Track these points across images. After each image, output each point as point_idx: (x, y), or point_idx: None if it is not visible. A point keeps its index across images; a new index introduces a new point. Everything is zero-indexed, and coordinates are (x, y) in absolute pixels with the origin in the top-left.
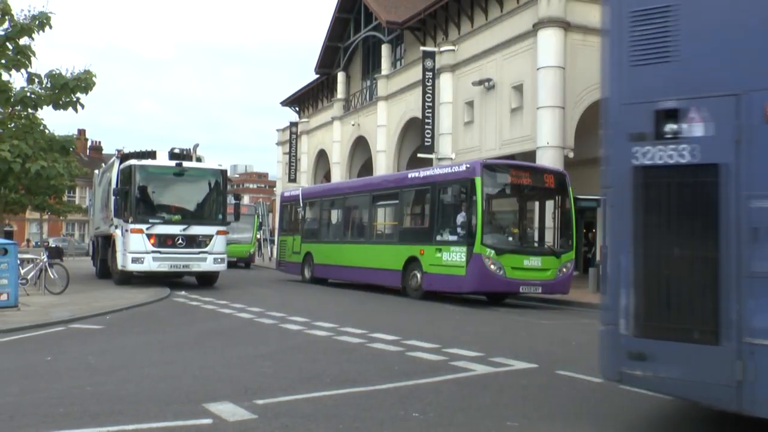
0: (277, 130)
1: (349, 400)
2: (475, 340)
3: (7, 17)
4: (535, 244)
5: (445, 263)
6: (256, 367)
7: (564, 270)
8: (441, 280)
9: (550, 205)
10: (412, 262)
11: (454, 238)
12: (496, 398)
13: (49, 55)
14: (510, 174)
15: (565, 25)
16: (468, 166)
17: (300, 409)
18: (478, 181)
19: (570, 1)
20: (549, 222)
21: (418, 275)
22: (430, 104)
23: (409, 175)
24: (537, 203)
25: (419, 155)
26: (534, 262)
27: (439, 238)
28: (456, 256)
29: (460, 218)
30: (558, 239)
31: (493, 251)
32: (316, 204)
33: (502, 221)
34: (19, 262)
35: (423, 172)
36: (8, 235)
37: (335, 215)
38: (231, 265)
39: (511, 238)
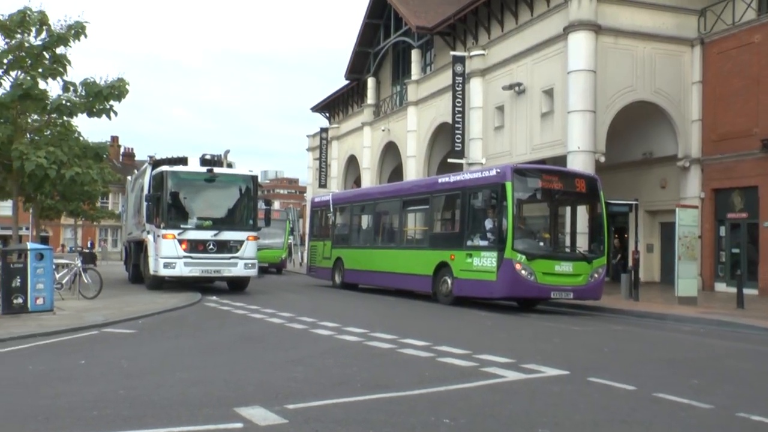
0: (308, 136)
1: (380, 406)
2: (506, 347)
3: (44, 27)
4: (567, 250)
5: (476, 268)
6: (286, 372)
7: (596, 275)
8: (472, 286)
9: (581, 209)
10: (442, 268)
11: (484, 243)
12: (527, 405)
13: (84, 63)
14: (541, 178)
15: (596, 28)
16: (498, 170)
17: (331, 414)
18: (508, 185)
19: (601, 4)
20: (580, 227)
21: (449, 281)
22: (460, 109)
23: (440, 180)
24: (568, 208)
25: (449, 160)
26: (565, 267)
27: (469, 243)
28: (487, 261)
29: (491, 223)
30: (589, 244)
31: (524, 256)
32: (347, 209)
33: (533, 226)
34: (54, 267)
35: (453, 177)
36: (44, 240)
37: (366, 220)
38: (262, 270)
39: (542, 243)
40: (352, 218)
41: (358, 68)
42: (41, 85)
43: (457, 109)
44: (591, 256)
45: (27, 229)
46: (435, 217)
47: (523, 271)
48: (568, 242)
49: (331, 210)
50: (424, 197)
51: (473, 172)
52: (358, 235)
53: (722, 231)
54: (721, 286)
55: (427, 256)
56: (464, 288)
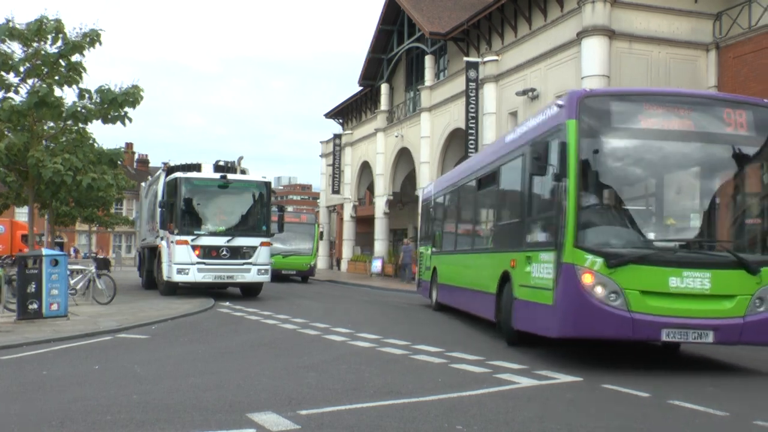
0: (321, 142)
1: (393, 412)
2: (520, 353)
3: (60, 35)
4: (698, 246)
5: (534, 283)
6: (299, 378)
7: (764, 298)
8: (529, 314)
9: (732, 170)
10: (506, 282)
11: (543, 237)
12: (540, 411)
13: (99, 70)
14: (642, 110)
15: (610, 33)
16: (560, 103)
17: (343, 420)
18: (571, 126)
19: (615, 9)
20: (732, 205)
21: (503, 303)
22: (474, 115)
23: (507, 139)
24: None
25: None
26: (693, 280)
27: (529, 238)
28: (544, 270)
29: (548, 203)
30: (751, 238)
31: (599, 259)
32: (445, 199)
33: (628, 202)
34: (68, 272)
35: (520, 128)
36: (60, 246)
37: (455, 214)
38: (284, 278)
39: (641, 234)
40: (445, 212)
41: (371, 74)
42: (57, 92)
43: (470, 114)
44: (756, 259)
45: (42, 235)
46: (499, 202)
47: (597, 289)
48: (701, 233)
49: (432, 203)
50: (493, 171)
51: (541, 112)
52: (449, 236)
53: None
54: None
55: (490, 262)
56: (522, 317)
